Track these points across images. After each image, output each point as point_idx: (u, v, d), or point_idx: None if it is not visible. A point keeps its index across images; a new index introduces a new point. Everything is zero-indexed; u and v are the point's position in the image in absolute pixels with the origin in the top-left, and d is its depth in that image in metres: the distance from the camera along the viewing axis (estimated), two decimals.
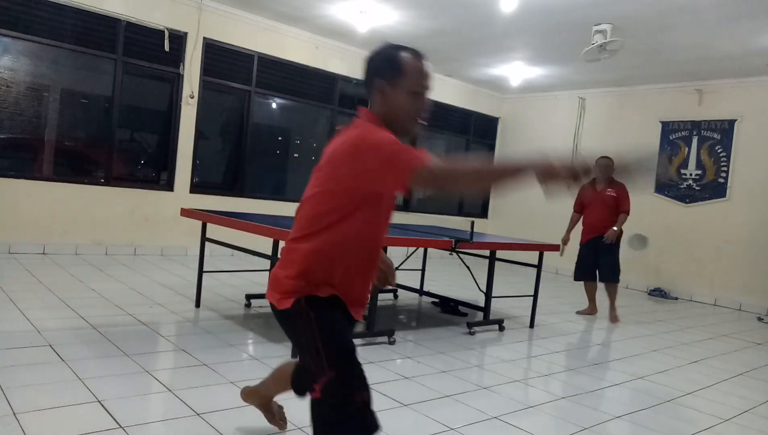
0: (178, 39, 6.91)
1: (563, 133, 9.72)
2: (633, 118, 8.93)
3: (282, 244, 4.73)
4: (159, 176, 7.15)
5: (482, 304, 5.03)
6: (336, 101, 8.54)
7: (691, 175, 8.30)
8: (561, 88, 9.55)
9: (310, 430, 2.48)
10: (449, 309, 5.44)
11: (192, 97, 7.04)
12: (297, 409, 2.73)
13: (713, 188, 8.06)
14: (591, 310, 6.06)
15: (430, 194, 1.87)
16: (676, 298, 8.11)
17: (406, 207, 9.84)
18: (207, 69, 7.17)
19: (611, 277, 5.90)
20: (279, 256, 1.83)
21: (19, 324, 3.57)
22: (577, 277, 6.10)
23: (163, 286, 5.21)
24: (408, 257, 5.92)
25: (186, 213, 4.49)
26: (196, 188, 7.25)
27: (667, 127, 8.58)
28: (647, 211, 8.50)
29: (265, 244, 4.44)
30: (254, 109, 7.76)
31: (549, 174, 1.40)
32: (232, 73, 7.46)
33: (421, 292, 5.90)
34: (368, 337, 4.05)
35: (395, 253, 5.94)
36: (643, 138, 8.77)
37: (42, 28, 6.04)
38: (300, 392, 2.13)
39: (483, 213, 10.97)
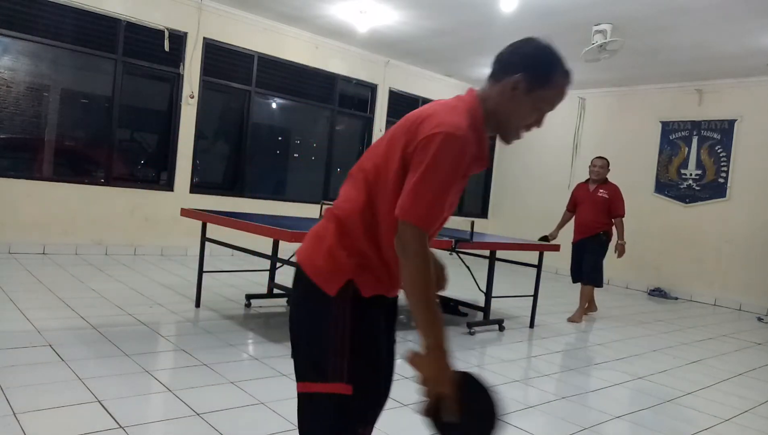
0: (178, 39, 6.91)
1: (563, 133, 9.72)
2: (633, 118, 8.93)
3: (281, 244, 4.72)
4: (159, 176, 7.15)
5: (482, 304, 5.02)
6: (336, 101, 8.54)
7: (691, 175, 8.30)
8: None
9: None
10: (449, 309, 5.44)
11: (192, 97, 7.04)
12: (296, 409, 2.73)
13: (713, 188, 8.06)
14: (590, 308, 6.04)
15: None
16: (676, 298, 8.11)
17: None
18: (207, 69, 7.17)
19: (589, 278, 5.73)
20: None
21: (19, 324, 3.57)
22: (573, 280, 6.02)
23: (163, 286, 5.21)
24: None
25: (186, 213, 4.49)
26: (196, 188, 7.25)
27: (667, 127, 8.58)
28: (647, 211, 8.51)
29: (265, 244, 4.46)
30: (254, 109, 7.76)
31: (431, 364, 1.38)
32: (232, 73, 7.46)
33: None
34: None
35: None
36: (643, 138, 8.77)
37: (42, 28, 6.04)
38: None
39: (483, 213, 10.97)
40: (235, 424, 2.49)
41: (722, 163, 8.00)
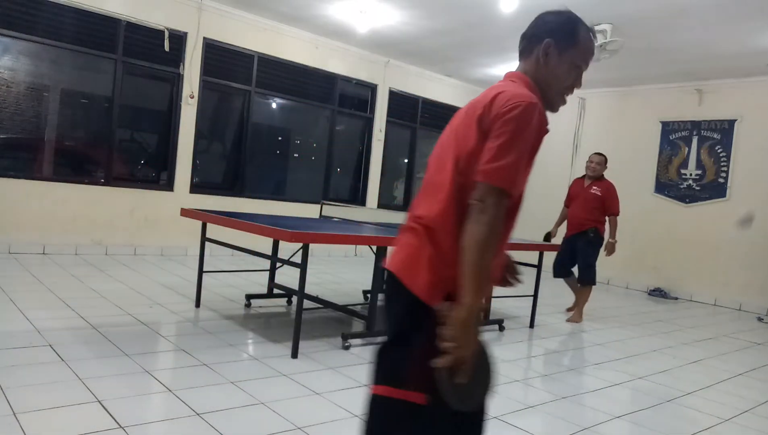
0: (178, 39, 6.91)
1: (563, 132, 9.71)
2: (633, 118, 8.93)
3: (281, 244, 4.72)
4: (159, 176, 7.15)
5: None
6: (336, 101, 8.54)
7: (691, 175, 8.30)
8: None
9: (318, 429, 2.49)
10: None
11: (192, 97, 7.04)
12: (296, 409, 2.73)
13: (713, 188, 8.06)
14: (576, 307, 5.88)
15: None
16: (676, 298, 8.11)
17: (406, 207, 9.85)
18: (207, 69, 7.17)
19: (585, 278, 5.66)
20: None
21: (19, 324, 3.57)
22: (554, 274, 5.89)
23: (163, 286, 5.21)
24: None
25: (186, 213, 4.49)
26: (196, 188, 7.25)
27: (667, 127, 8.58)
28: (647, 211, 8.51)
29: (265, 244, 4.46)
30: (254, 109, 7.76)
31: (462, 326, 1.35)
32: (232, 73, 7.46)
33: None
34: (368, 337, 4.05)
35: None
36: (643, 138, 8.77)
37: (42, 28, 6.04)
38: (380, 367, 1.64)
39: None
40: (235, 424, 2.49)
41: (722, 163, 8.01)
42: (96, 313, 3.98)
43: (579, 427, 2.91)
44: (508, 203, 1.42)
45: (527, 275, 6.08)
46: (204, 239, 4.47)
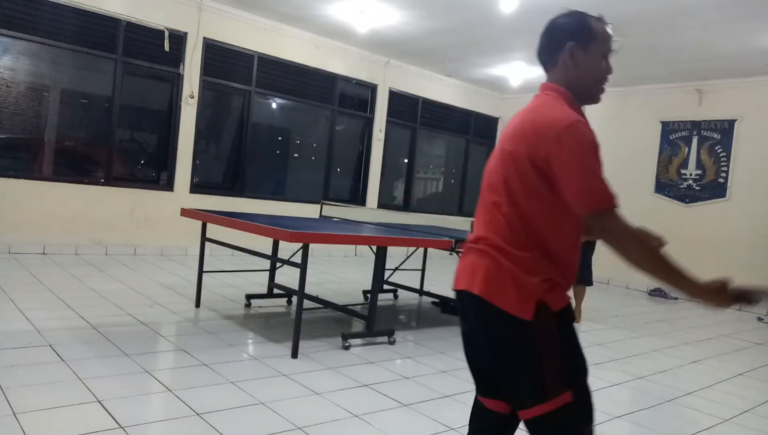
0: (178, 39, 6.91)
1: None
2: (633, 118, 8.93)
3: (281, 244, 4.72)
4: (159, 176, 7.15)
5: None
6: (336, 101, 8.54)
7: (691, 175, 8.30)
8: None
9: (318, 429, 2.49)
10: (449, 309, 5.44)
11: (192, 97, 7.04)
12: (296, 409, 2.73)
13: (713, 188, 8.06)
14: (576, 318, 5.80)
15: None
16: (676, 298, 8.11)
17: (406, 207, 9.85)
18: (207, 69, 7.17)
19: (582, 278, 5.51)
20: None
21: (19, 324, 3.57)
22: None
23: (163, 286, 5.21)
24: (408, 257, 5.92)
25: (186, 213, 4.49)
26: (196, 188, 7.26)
27: (667, 127, 8.58)
28: (647, 211, 8.51)
29: (265, 244, 4.46)
30: (254, 109, 7.76)
31: (707, 302, 1.48)
32: (232, 73, 7.46)
33: (421, 292, 5.90)
34: (368, 337, 4.05)
35: (395, 253, 5.96)
36: (643, 138, 8.77)
37: (42, 28, 6.04)
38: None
39: None
40: (235, 424, 2.49)
41: (722, 163, 8.00)
42: (96, 313, 3.98)
43: None
44: (566, 218, 1.52)
45: None
46: (204, 239, 4.47)
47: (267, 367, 3.28)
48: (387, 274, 5.66)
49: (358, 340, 4.00)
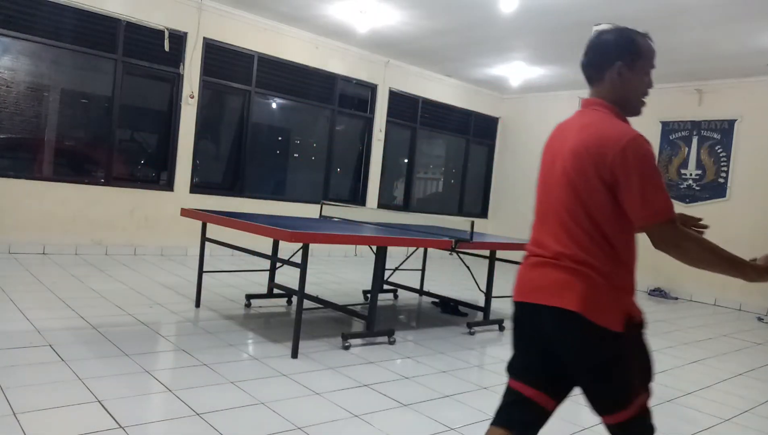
0: (178, 39, 6.91)
1: None
2: (633, 118, 8.91)
3: (281, 244, 4.72)
4: (159, 176, 7.15)
5: (482, 304, 5.03)
6: (336, 101, 8.54)
7: (691, 175, 8.30)
8: (561, 88, 9.54)
9: (318, 429, 2.49)
10: (449, 309, 5.44)
11: (192, 97, 7.04)
12: (296, 409, 2.73)
13: (713, 188, 8.06)
14: None
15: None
16: (676, 298, 8.11)
17: (406, 207, 9.85)
18: (207, 69, 7.17)
19: None
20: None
21: (19, 324, 3.57)
22: None
23: (163, 286, 5.21)
24: (408, 257, 5.92)
25: (186, 213, 4.49)
26: (196, 188, 7.26)
27: (667, 127, 8.58)
28: None
29: (265, 244, 4.46)
30: (254, 109, 7.76)
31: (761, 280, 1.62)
32: (232, 73, 7.46)
33: (421, 292, 5.90)
34: (368, 337, 4.06)
35: (396, 253, 5.96)
36: None
37: (42, 28, 6.04)
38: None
39: (483, 213, 10.97)
40: (235, 424, 2.49)
41: (722, 163, 8.01)
42: (96, 313, 3.98)
43: (579, 427, 2.91)
44: (631, 230, 1.65)
45: None
46: (204, 239, 4.47)
47: (267, 367, 3.28)
48: (387, 274, 5.66)
49: (358, 340, 4.00)
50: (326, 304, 4.51)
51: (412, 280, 6.13)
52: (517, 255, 5.78)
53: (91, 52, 6.40)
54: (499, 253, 5.03)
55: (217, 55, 7.26)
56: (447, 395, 3.16)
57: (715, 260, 1.59)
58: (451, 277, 7.66)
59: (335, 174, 8.93)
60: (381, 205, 9.28)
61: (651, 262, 9.37)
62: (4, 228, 5.93)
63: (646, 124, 8.82)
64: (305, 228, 3.79)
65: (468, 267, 5.05)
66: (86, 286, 4.84)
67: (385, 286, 5.83)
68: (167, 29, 6.77)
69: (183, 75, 6.96)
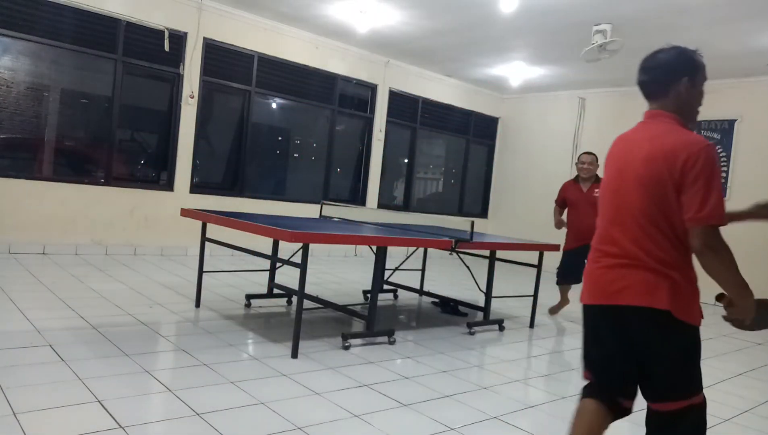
0: (178, 39, 6.91)
1: (563, 133, 9.72)
2: (633, 118, 8.76)
3: (281, 244, 4.72)
4: (159, 176, 7.15)
5: (482, 304, 5.03)
6: (336, 101, 8.54)
7: None
8: (561, 88, 9.55)
9: (318, 429, 2.49)
10: (449, 309, 5.44)
11: (192, 97, 7.04)
12: (296, 409, 2.73)
13: None
14: (564, 302, 5.78)
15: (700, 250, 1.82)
16: None
17: (406, 207, 9.86)
18: (207, 69, 7.17)
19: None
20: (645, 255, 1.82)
21: (19, 324, 3.57)
22: (561, 281, 5.69)
23: (163, 286, 5.21)
24: (408, 257, 5.92)
25: (186, 213, 4.49)
26: (196, 188, 7.26)
27: None
28: None
29: (265, 244, 4.46)
30: (254, 109, 7.76)
31: (746, 311, 1.82)
32: (232, 73, 7.46)
33: (421, 292, 5.90)
34: (368, 337, 4.06)
35: (396, 253, 5.96)
36: None
37: (42, 28, 6.04)
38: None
39: (483, 213, 10.97)
40: (235, 424, 2.49)
41: (722, 163, 8.00)
42: (96, 313, 3.98)
43: None
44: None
45: (527, 275, 6.09)
46: (204, 239, 4.47)
47: (267, 367, 3.28)
48: (387, 274, 5.66)
49: (358, 340, 4.00)
50: (326, 304, 4.51)
51: (412, 280, 6.13)
52: (518, 255, 5.80)
53: (91, 52, 6.40)
54: (499, 253, 5.03)
55: (217, 55, 7.26)
56: (447, 395, 3.16)
57: (732, 274, 1.76)
58: (451, 277, 7.66)
59: (335, 174, 8.93)
60: (381, 205, 9.28)
61: None
62: (4, 228, 5.93)
63: None
64: (305, 228, 3.79)
65: (468, 267, 5.05)
66: (86, 286, 4.84)
67: (385, 286, 5.83)
68: (167, 29, 6.77)
69: (183, 75, 6.96)
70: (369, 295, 4.85)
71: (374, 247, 4.20)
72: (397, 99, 9.30)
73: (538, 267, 5.23)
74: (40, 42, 6.06)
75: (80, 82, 6.66)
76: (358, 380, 3.22)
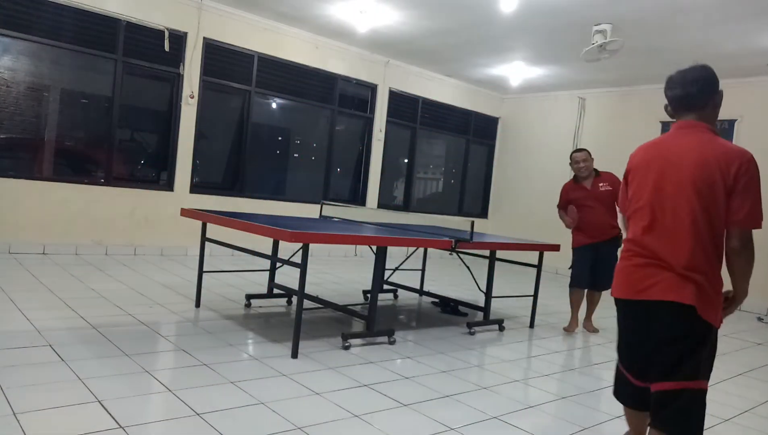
0: (178, 39, 6.91)
1: (563, 132, 9.72)
2: (633, 118, 8.92)
3: (281, 244, 4.72)
4: (159, 176, 7.16)
5: (482, 304, 5.03)
6: (336, 101, 8.54)
7: None
8: (561, 88, 9.55)
9: (318, 429, 2.49)
10: (449, 309, 5.44)
11: (192, 97, 7.04)
12: (296, 409, 2.73)
13: None
14: (574, 322, 5.30)
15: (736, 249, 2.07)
16: None
17: (406, 207, 9.86)
18: (207, 69, 7.17)
19: (608, 285, 4.93)
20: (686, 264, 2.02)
21: (19, 324, 3.57)
22: (574, 284, 5.24)
23: (163, 286, 5.22)
24: (408, 257, 5.92)
25: (186, 213, 4.49)
26: (196, 188, 7.26)
27: (667, 127, 8.57)
28: None
29: (265, 244, 4.46)
30: (254, 109, 7.76)
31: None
32: (232, 73, 7.46)
33: (421, 292, 5.90)
34: (368, 337, 4.06)
35: (396, 253, 5.96)
36: (643, 138, 8.75)
37: (42, 28, 6.04)
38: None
39: (483, 213, 10.98)
40: (235, 424, 2.49)
41: None
42: (96, 313, 3.98)
43: (579, 427, 2.91)
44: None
45: (527, 275, 6.07)
46: (204, 239, 4.47)
47: (267, 367, 3.28)
48: (387, 274, 5.66)
49: (358, 340, 4.00)
50: (326, 304, 4.51)
51: (412, 280, 6.13)
52: (518, 255, 5.79)
53: (91, 52, 6.40)
54: (499, 253, 5.03)
55: (217, 55, 7.26)
56: (447, 395, 3.16)
57: (748, 274, 2.04)
58: (451, 277, 7.66)
59: (335, 174, 8.93)
60: (381, 205, 9.28)
61: None
62: (4, 228, 5.93)
63: (646, 124, 8.82)
64: (305, 228, 3.79)
65: (468, 267, 5.05)
66: (86, 286, 4.84)
67: (385, 286, 5.83)
68: (167, 29, 6.77)
69: (183, 75, 6.96)
70: (369, 295, 4.85)
71: (374, 247, 4.20)
72: (397, 99, 9.30)
73: (538, 267, 5.23)
74: (40, 42, 6.06)
75: (80, 82, 6.66)
76: (358, 380, 3.22)
